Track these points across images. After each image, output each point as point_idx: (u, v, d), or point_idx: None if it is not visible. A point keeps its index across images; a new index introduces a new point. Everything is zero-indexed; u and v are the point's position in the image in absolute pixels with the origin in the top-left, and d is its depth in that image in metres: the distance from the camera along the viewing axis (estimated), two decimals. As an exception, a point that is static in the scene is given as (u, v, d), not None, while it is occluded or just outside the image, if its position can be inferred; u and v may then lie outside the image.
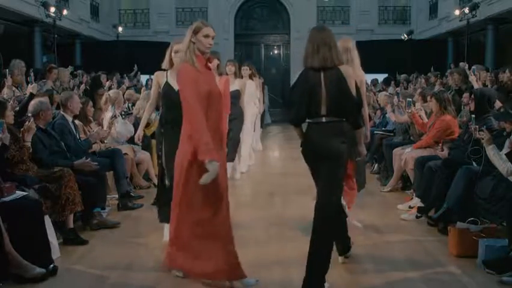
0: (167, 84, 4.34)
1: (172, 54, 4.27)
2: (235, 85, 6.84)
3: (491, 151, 4.27)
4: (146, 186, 6.70)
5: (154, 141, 7.46)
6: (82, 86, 8.73)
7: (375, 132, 7.91)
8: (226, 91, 5.80)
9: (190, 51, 3.48)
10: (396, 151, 6.45)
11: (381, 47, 16.11)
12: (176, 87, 4.18)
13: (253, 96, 8.10)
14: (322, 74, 3.46)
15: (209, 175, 3.22)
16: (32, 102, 5.02)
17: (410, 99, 6.52)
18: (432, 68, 12.13)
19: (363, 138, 3.83)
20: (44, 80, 7.42)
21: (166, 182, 4.24)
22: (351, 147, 3.66)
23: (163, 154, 4.30)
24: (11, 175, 4.11)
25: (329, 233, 3.44)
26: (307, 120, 3.57)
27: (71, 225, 4.55)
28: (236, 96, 6.82)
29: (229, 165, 6.88)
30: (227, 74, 6.73)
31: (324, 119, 3.45)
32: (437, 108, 5.89)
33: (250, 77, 8.10)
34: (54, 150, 4.91)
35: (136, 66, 13.25)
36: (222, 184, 3.48)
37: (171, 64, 4.30)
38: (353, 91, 3.50)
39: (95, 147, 5.79)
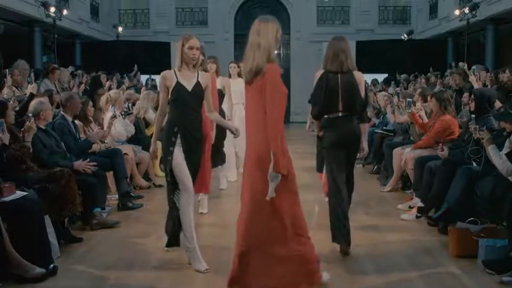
0: (178, 84, 3.88)
1: (185, 49, 3.87)
2: (216, 84, 5.99)
3: (491, 151, 4.27)
4: (146, 186, 6.70)
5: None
6: (82, 86, 8.74)
7: (376, 131, 7.90)
8: (213, 90, 5.09)
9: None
10: (396, 151, 6.45)
11: (381, 47, 16.11)
12: (189, 87, 3.90)
13: (241, 97, 6.74)
14: (339, 77, 4.13)
15: (273, 188, 3.14)
16: (33, 103, 5.02)
17: (410, 99, 6.51)
18: (431, 68, 12.12)
19: (366, 134, 4.45)
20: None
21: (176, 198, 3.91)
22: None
23: (184, 166, 3.85)
24: (11, 175, 4.11)
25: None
26: (325, 116, 4.21)
27: (65, 223, 4.53)
28: (216, 96, 5.79)
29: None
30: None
31: (340, 114, 4.14)
32: (437, 108, 5.89)
33: (240, 75, 7.04)
34: (54, 151, 4.91)
35: (136, 66, 13.26)
36: None
37: (183, 61, 3.90)
38: (362, 93, 4.19)
39: (95, 147, 5.79)
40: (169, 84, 3.89)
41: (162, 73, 3.97)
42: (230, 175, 7.12)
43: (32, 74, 6.78)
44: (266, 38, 3.24)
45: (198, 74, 3.97)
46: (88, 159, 5.06)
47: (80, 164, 4.93)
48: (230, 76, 7.11)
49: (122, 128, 6.61)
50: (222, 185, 6.68)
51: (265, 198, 3.15)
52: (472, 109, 5.07)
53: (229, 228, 4.40)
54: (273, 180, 3.14)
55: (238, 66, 7.13)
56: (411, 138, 6.76)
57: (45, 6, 11.29)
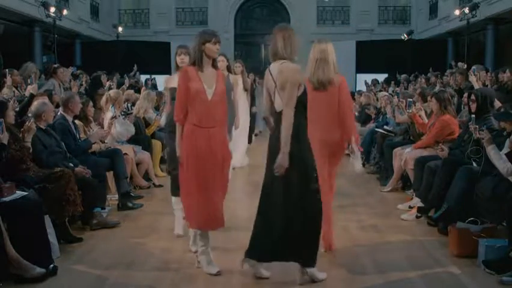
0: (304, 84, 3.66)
1: (297, 41, 3.69)
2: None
3: (491, 151, 4.26)
4: (146, 186, 6.70)
5: (154, 141, 7.49)
6: (82, 86, 8.75)
7: (376, 130, 7.89)
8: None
9: None
10: (396, 151, 6.45)
11: (381, 47, 16.13)
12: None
13: None
14: None
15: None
16: (35, 103, 5.01)
17: (411, 100, 6.51)
18: (431, 69, 12.12)
19: None
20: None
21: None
22: None
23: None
24: (11, 175, 4.10)
25: None
26: None
27: (65, 223, 4.52)
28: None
29: None
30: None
31: None
32: (437, 108, 5.89)
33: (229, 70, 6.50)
34: (54, 151, 4.91)
35: (135, 66, 13.26)
36: None
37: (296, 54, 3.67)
38: None
39: (95, 147, 5.79)
40: (301, 82, 3.59)
41: (297, 67, 3.59)
42: None
43: (33, 75, 6.77)
44: (332, 55, 4.10)
45: None
46: (85, 165, 5.07)
47: (82, 171, 4.92)
48: None
49: (122, 128, 6.61)
50: None
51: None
52: (474, 110, 5.07)
53: (232, 230, 4.44)
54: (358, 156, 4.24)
55: (227, 60, 6.55)
56: (411, 138, 6.75)
57: (45, 6, 11.29)
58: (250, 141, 9.20)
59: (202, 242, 3.84)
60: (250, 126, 8.92)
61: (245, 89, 7.66)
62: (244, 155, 8.15)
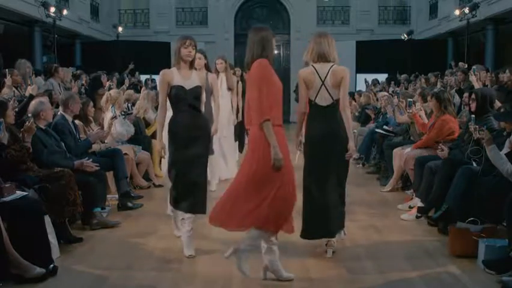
0: None
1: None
2: (193, 79, 4.34)
3: (491, 151, 4.26)
4: (146, 186, 6.70)
5: (154, 141, 7.48)
6: (82, 87, 8.76)
7: (376, 130, 7.89)
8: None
9: None
10: (396, 151, 6.45)
11: (381, 47, 16.12)
12: None
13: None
14: None
15: None
16: (33, 102, 5.02)
17: (411, 100, 6.51)
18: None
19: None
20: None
21: None
22: None
23: None
24: (11, 175, 4.10)
25: None
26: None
27: (65, 223, 4.52)
28: (199, 95, 4.39)
29: None
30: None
31: None
32: (437, 108, 5.89)
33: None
34: (54, 151, 4.91)
35: (132, 63, 13.21)
36: None
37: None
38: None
39: (95, 147, 5.79)
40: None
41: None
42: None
43: (28, 70, 6.78)
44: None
45: None
46: (90, 159, 5.07)
47: (82, 163, 4.92)
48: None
49: (122, 128, 6.61)
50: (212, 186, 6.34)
51: None
52: (473, 109, 5.07)
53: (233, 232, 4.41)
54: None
55: (205, 58, 6.06)
56: (411, 138, 6.76)
57: (45, 6, 11.28)
58: (241, 149, 8.23)
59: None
60: (241, 132, 8.01)
61: (229, 89, 7.07)
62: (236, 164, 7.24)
